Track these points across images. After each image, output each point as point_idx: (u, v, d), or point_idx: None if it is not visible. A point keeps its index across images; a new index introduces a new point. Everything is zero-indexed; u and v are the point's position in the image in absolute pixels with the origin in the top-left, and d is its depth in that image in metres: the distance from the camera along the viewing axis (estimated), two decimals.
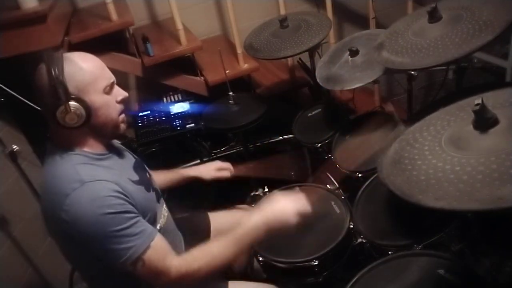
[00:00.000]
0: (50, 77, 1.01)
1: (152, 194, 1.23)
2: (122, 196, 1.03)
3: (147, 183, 1.22)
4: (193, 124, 2.11)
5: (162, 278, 1.04)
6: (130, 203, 1.04)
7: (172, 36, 2.16)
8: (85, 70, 1.05)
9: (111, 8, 1.95)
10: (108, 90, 1.10)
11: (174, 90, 2.30)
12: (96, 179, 1.02)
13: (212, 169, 1.61)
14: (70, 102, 1.01)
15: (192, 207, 1.60)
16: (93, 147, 1.11)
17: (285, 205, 1.16)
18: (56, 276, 1.96)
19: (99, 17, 2.03)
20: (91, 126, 1.07)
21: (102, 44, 2.01)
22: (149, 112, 2.24)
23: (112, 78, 1.12)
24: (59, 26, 1.86)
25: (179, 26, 2.05)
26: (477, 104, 0.80)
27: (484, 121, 0.81)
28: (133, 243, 1.00)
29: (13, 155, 1.61)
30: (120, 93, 1.14)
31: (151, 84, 2.25)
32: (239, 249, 1.11)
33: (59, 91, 1.01)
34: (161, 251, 1.06)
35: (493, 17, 1.13)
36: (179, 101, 2.26)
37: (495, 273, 1.20)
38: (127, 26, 2.12)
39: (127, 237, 1.00)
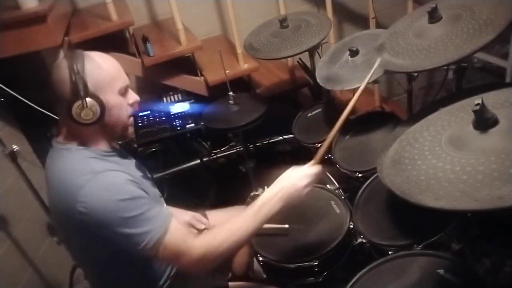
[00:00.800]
0: (71, 72, 1.03)
1: (156, 190, 1.27)
2: (136, 183, 1.05)
3: (150, 180, 1.25)
4: (193, 124, 2.11)
5: (184, 259, 1.05)
6: (143, 189, 1.07)
7: (172, 36, 2.16)
8: (104, 70, 1.08)
9: (111, 8, 1.95)
10: (123, 91, 1.13)
11: (174, 90, 2.30)
12: (109, 169, 1.04)
13: (188, 218, 1.53)
14: (87, 98, 1.04)
15: (192, 207, 1.60)
16: (100, 145, 1.13)
17: (297, 175, 1.15)
18: (56, 276, 1.96)
19: (99, 17, 2.03)
20: (102, 125, 1.10)
21: (102, 44, 2.01)
22: (149, 112, 2.24)
23: (127, 81, 1.15)
24: (59, 26, 1.86)
25: (179, 26, 2.05)
26: (477, 104, 0.80)
27: (484, 121, 0.81)
28: (152, 226, 1.02)
29: (13, 155, 1.61)
30: (133, 96, 1.17)
31: (151, 84, 2.25)
32: (257, 222, 1.10)
33: (78, 87, 1.03)
34: (179, 232, 1.08)
35: (493, 17, 1.13)
36: (179, 101, 2.26)
37: (495, 273, 1.20)
38: (127, 26, 2.12)
39: (146, 221, 1.02)
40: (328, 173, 1.85)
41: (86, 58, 1.06)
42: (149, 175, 1.30)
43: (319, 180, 1.19)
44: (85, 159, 1.06)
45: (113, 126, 1.13)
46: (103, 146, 1.14)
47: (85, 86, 1.04)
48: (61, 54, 1.10)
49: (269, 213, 1.11)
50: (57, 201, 1.06)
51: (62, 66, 1.05)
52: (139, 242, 1.01)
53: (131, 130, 1.20)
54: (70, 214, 1.01)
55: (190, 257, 1.05)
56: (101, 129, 1.11)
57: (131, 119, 1.18)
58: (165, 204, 1.32)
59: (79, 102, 1.03)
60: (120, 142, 1.39)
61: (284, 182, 1.14)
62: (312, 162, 1.18)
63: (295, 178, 1.14)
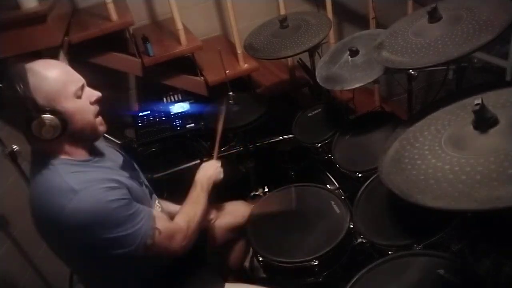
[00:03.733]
0: (16, 92, 0.98)
1: (145, 189, 1.26)
2: (117, 184, 1.05)
3: (137, 179, 1.24)
4: (193, 124, 2.11)
5: (178, 236, 1.17)
6: (126, 187, 1.08)
7: (172, 36, 2.16)
8: (51, 79, 1.02)
9: (111, 8, 1.95)
10: (80, 93, 1.07)
11: (174, 90, 2.30)
12: (87, 184, 1.01)
13: None
14: (43, 115, 0.99)
15: None
16: (75, 154, 1.09)
17: (204, 168, 1.43)
18: (56, 276, 1.96)
19: (99, 17, 2.03)
20: (69, 134, 1.05)
21: (102, 44, 2.01)
22: (149, 112, 2.23)
23: (81, 80, 1.09)
24: (59, 26, 1.86)
25: (179, 26, 2.05)
26: (477, 104, 0.80)
27: (484, 121, 0.81)
28: (141, 222, 1.07)
29: (13, 155, 1.60)
30: (92, 94, 1.11)
31: (151, 84, 2.25)
32: (201, 204, 1.31)
33: (28, 106, 0.98)
34: (163, 217, 1.20)
35: (493, 17, 1.13)
36: (179, 101, 2.26)
37: (495, 273, 1.19)
38: (127, 26, 2.12)
39: (136, 220, 1.05)
40: (328, 173, 1.86)
41: (29, 72, 1.00)
42: (136, 171, 1.30)
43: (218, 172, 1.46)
44: (61, 176, 1.02)
45: (81, 132, 1.08)
46: (79, 154, 1.10)
47: (35, 103, 0.99)
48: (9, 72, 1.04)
49: (204, 197, 1.34)
50: (40, 221, 1.05)
51: (7, 87, 1.00)
52: (134, 239, 1.04)
53: (102, 128, 1.14)
54: (55, 232, 1.01)
55: (184, 232, 1.19)
56: (70, 138, 1.06)
57: (99, 118, 1.13)
58: (157, 201, 1.35)
59: (36, 121, 0.99)
60: (120, 142, 1.40)
61: (198, 175, 1.41)
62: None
63: (203, 170, 1.43)
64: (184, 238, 1.19)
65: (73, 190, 0.99)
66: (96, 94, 1.12)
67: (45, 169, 1.04)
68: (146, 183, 1.33)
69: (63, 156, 1.07)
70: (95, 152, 1.16)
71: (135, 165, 1.34)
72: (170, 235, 1.16)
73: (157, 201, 1.34)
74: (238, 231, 1.58)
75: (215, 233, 1.55)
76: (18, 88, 0.98)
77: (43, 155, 1.07)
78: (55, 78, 1.03)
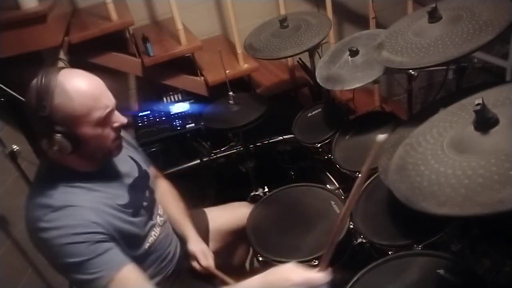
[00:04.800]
0: (37, 106, 0.93)
1: (141, 219, 1.17)
2: (93, 224, 0.98)
3: (137, 206, 1.16)
4: (193, 124, 2.11)
5: None
6: (101, 232, 0.99)
7: (172, 36, 2.16)
8: (76, 103, 0.96)
9: (111, 8, 1.95)
10: (102, 121, 1.00)
11: (174, 90, 2.30)
12: (69, 204, 0.98)
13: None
14: (55, 135, 0.95)
15: (192, 206, 1.60)
16: (81, 166, 1.06)
17: (291, 277, 0.93)
18: (56, 276, 1.96)
19: (99, 17, 2.03)
20: (80, 153, 1.01)
21: (102, 44, 2.01)
22: (149, 112, 2.24)
23: (108, 106, 1.02)
24: (59, 26, 1.86)
25: (179, 26, 2.05)
26: (478, 104, 0.80)
27: (484, 121, 0.81)
28: (95, 275, 0.96)
29: (13, 155, 1.61)
30: (117, 119, 1.05)
31: (151, 84, 2.25)
32: None
33: (44, 125, 0.94)
34: (128, 282, 0.99)
35: (493, 17, 1.13)
36: (179, 101, 2.26)
37: (495, 273, 1.19)
38: (127, 26, 2.12)
39: (89, 269, 0.96)
40: (328, 173, 1.86)
41: (57, 88, 0.94)
42: (141, 187, 1.23)
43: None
44: (51, 186, 0.99)
45: (92, 153, 1.04)
46: (85, 166, 1.06)
47: (52, 121, 0.94)
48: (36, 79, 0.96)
49: None
50: (27, 223, 1.02)
51: (30, 91, 0.95)
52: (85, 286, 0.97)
53: (117, 152, 1.09)
54: (34, 237, 1.01)
55: None
56: (79, 156, 1.02)
57: (117, 142, 1.08)
58: (158, 218, 1.27)
59: (45, 140, 0.96)
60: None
61: (276, 273, 0.97)
62: (317, 268, 0.95)
63: (288, 275, 0.93)
64: None
65: (52, 207, 0.97)
66: (122, 120, 1.06)
67: (45, 174, 1.04)
68: (151, 205, 1.25)
69: (66, 165, 1.04)
70: (104, 166, 1.12)
71: (150, 185, 1.27)
72: None
73: (158, 219, 1.28)
74: (240, 233, 1.53)
75: (216, 236, 1.54)
76: (40, 102, 0.93)
77: (47, 160, 1.06)
78: (81, 103, 0.96)
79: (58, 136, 0.95)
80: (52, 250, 0.97)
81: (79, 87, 0.97)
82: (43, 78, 0.94)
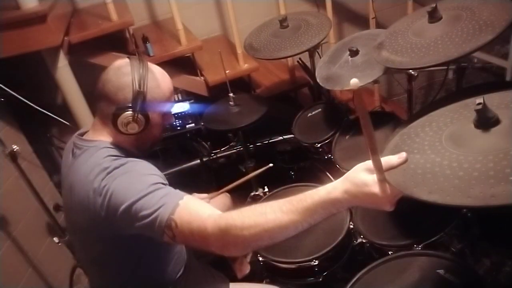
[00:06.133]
0: (134, 82, 1.05)
1: None
2: (154, 168, 1.06)
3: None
4: (193, 124, 2.12)
5: (198, 237, 0.91)
6: (160, 174, 1.06)
7: (172, 36, 2.17)
8: (162, 90, 1.10)
9: (111, 8, 1.95)
10: (167, 113, 1.16)
11: (174, 90, 2.30)
12: (131, 160, 1.06)
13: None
14: (139, 114, 1.05)
15: None
16: (133, 148, 1.14)
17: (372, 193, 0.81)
18: (56, 276, 1.96)
19: (99, 17, 2.03)
20: (138, 137, 1.11)
21: (102, 44, 2.01)
22: None
23: (173, 104, 1.19)
24: (59, 26, 1.86)
25: (179, 26, 2.05)
26: (479, 104, 0.80)
27: (485, 120, 0.81)
28: (163, 202, 0.95)
29: (13, 155, 1.61)
30: (171, 118, 1.20)
31: None
32: (303, 220, 0.84)
33: (138, 100, 1.05)
34: (193, 207, 0.95)
35: (493, 17, 1.13)
36: (179, 101, 2.26)
37: (495, 273, 1.20)
38: (127, 26, 2.12)
39: (158, 198, 0.96)
40: (328, 173, 1.86)
41: (150, 74, 1.08)
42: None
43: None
44: (111, 156, 1.06)
45: (146, 140, 1.15)
46: (135, 149, 1.15)
47: (144, 101, 1.05)
48: (125, 59, 1.12)
49: (318, 213, 0.85)
50: (82, 193, 1.02)
51: (124, 72, 1.06)
52: (154, 219, 0.93)
53: (156, 146, 1.23)
54: (96, 204, 0.99)
55: (205, 234, 0.89)
56: (134, 139, 1.12)
57: (161, 137, 1.21)
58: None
59: (130, 114, 1.05)
60: None
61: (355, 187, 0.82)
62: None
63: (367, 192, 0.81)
64: (208, 241, 0.91)
65: (119, 162, 1.03)
66: (173, 120, 1.22)
67: (96, 148, 1.07)
68: None
69: (116, 145, 1.10)
70: (145, 154, 1.20)
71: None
72: (189, 232, 0.92)
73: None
74: None
75: None
76: (138, 80, 1.04)
77: (100, 136, 1.11)
78: (164, 92, 1.11)
79: (139, 115, 1.06)
80: (126, 188, 0.98)
81: (165, 78, 1.13)
82: (138, 63, 1.08)
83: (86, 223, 1.06)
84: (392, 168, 0.83)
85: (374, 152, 0.80)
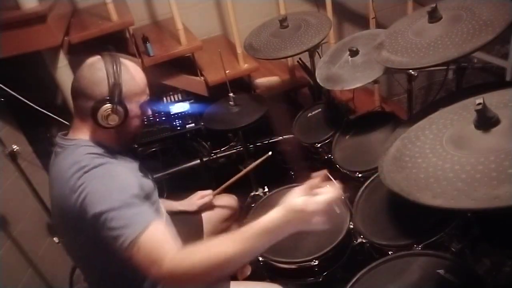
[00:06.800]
0: (109, 75, 1.07)
1: (156, 194, 1.26)
2: (133, 178, 1.06)
3: (151, 181, 1.26)
4: (193, 124, 2.11)
5: (153, 269, 0.92)
6: (139, 185, 1.06)
7: (172, 36, 2.16)
8: (136, 82, 1.13)
9: (111, 8, 1.95)
10: (144, 104, 1.17)
11: (174, 90, 2.30)
12: (109, 162, 1.07)
13: (195, 200, 1.60)
14: (117, 106, 1.07)
15: None
16: (112, 143, 1.15)
17: (309, 199, 0.91)
18: (56, 276, 1.96)
19: (99, 17, 2.03)
20: (118, 130, 1.13)
21: (102, 44, 2.01)
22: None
23: (148, 95, 1.19)
24: (59, 26, 1.86)
25: (179, 26, 2.05)
26: (479, 104, 0.80)
27: (485, 120, 0.81)
28: (131, 221, 0.95)
29: (13, 155, 1.61)
30: (148, 110, 1.21)
31: (151, 84, 2.24)
32: (246, 249, 0.91)
33: (114, 92, 1.07)
34: (159, 237, 0.96)
35: (493, 17, 1.13)
36: (179, 101, 2.26)
37: (495, 273, 1.19)
38: (127, 26, 2.12)
39: (128, 215, 0.96)
40: (328, 173, 1.86)
41: (123, 67, 1.10)
42: (150, 177, 1.29)
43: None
44: (90, 154, 1.07)
45: (126, 133, 1.16)
46: (114, 143, 1.16)
47: (120, 93, 1.07)
48: (97, 56, 1.14)
49: (268, 240, 0.92)
50: (59, 190, 1.04)
51: (98, 67, 1.08)
52: (118, 236, 0.94)
53: (136, 140, 1.26)
54: (70, 201, 1.00)
55: (159, 269, 0.91)
56: (115, 133, 1.13)
57: (140, 129, 1.22)
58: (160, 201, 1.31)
59: (109, 106, 1.06)
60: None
61: (289, 205, 0.92)
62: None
63: (309, 200, 0.91)
64: (160, 276, 0.94)
65: (97, 163, 1.04)
66: (149, 112, 1.23)
67: (76, 147, 1.09)
68: (155, 188, 1.31)
69: (97, 143, 1.11)
70: (125, 148, 1.23)
71: (147, 172, 1.33)
72: (147, 261, 0.93)
73: (160, 202, 1.33)
74: (231, 218, 1.65)
75: (208, 228, 1.57)
76: (113, 73, 1.06)
77: (80, 135, 1.12)
78: (139, 83, 1.14)
79: (119, 107, 1.08)
80: (102, 193, 0.98)
81: (138, 71, 1.15)
82: (111, 56, 1.10)
83: (64, 221, 1.09)
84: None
85: None
